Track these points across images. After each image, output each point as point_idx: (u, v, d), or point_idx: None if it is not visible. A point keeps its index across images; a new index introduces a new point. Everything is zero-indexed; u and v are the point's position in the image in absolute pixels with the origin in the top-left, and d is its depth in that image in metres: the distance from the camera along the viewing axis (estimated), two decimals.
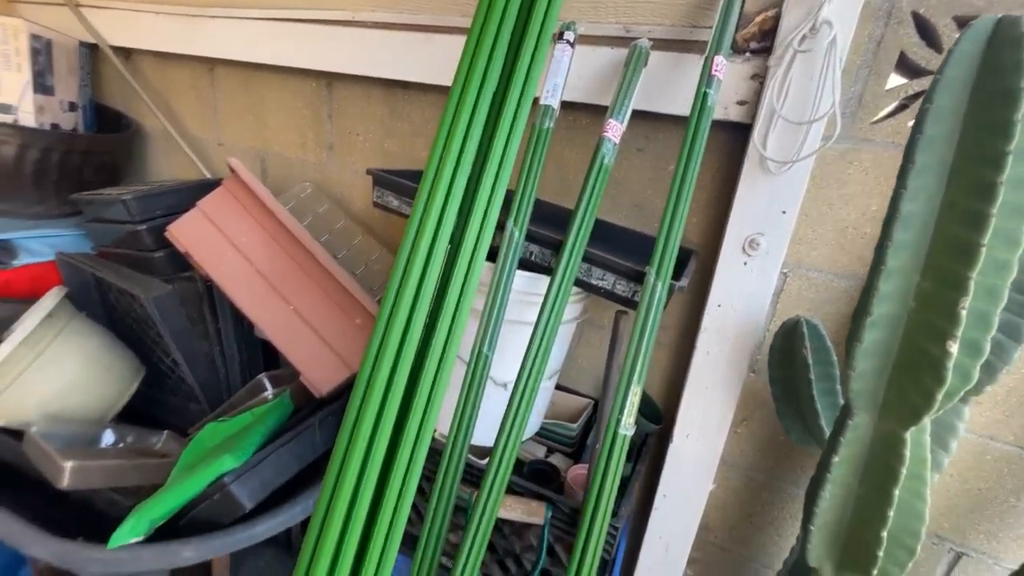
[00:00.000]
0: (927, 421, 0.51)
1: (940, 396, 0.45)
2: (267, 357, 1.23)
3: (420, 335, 0.58)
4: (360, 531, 0.57)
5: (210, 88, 1.25)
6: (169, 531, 0.77)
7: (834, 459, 0.54)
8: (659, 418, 0.92)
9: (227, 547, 0.76)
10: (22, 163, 1.10)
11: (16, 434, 0.93)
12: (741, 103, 0.71)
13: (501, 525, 0.78)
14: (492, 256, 0.68)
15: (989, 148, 0.38)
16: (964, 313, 0.42)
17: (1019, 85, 0.37)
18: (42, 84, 1.14)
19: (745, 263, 0.74)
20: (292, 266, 1.01)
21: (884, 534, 0.52)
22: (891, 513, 0.51)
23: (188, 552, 0.74)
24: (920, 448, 0.51)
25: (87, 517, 0.84)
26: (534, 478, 0.83)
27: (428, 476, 0.77)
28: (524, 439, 0.88)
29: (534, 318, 0.64)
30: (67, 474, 0.79)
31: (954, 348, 0.43)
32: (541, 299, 0.63)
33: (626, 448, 0.58)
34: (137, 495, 0.82)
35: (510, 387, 0.64)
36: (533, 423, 0.86)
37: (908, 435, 0.49)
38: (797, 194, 0.69)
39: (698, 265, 0.85)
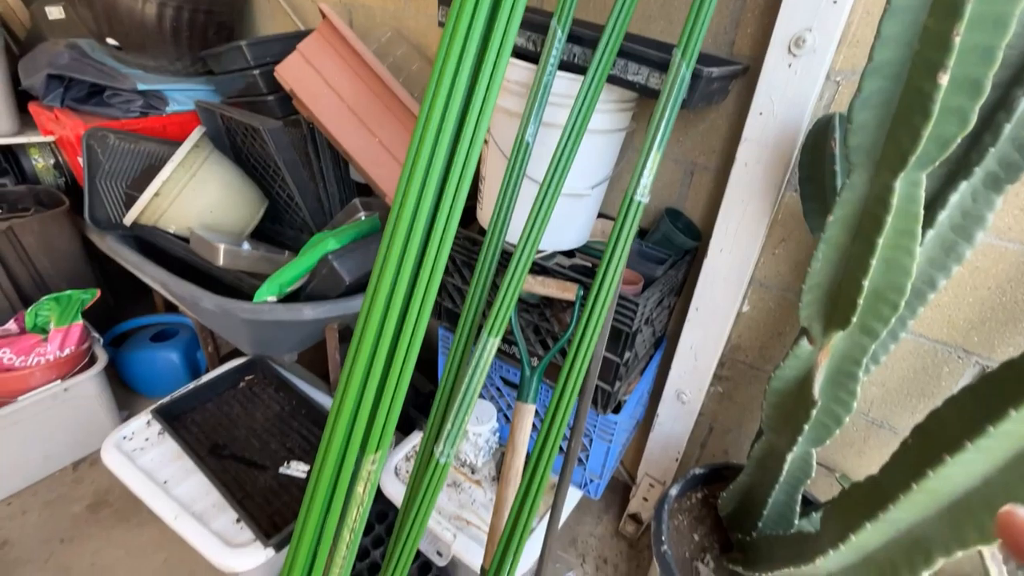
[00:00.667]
0: (922, 176, 0.54)
1: (925, 135, 0.48)
2: (360, 196, 1.43)
3: (454, 125, 0.66)
4: (404, 294, 0.67)
5: None
6: (294, 301, 1.02)
7: (829, 219, 0.60)
8: (698, 236, 0.99)
9: (334, 311, 1.00)
10: (162, 21, 1.31)
11: (183, 239, 1.22)
12: None
13: (544, 309, 0.93)
14: (537, 60, 0.75)
15: None
16: (957, 41, 0.44)
17: None
18: None
19: (790, 64, 0.75)
20: (377, 103, 1.15)
21: (865, 283, 0.58)
22: (873, 262, 0.56)
23: (308, 311, 0.98)
24: (912, 203, 0.54)
25: (238, 297, 1.11)
26: (575, 273, 0.96)
27: (470, 264, 0.92)
28: (569, 248, 1.00)
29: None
30: (221, 254, 1.05)
31: (944, 80, 0.45)
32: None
33: (639, 214, 0.67)
34: None
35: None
36: (578, 235, 0.97)
37: (897, 184, 0.53)
38: None
39: (745, 82, 0.85)
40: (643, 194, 0.66)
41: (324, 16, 1.13)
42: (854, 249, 0.58)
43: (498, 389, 1.12)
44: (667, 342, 1.16)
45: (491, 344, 0.72)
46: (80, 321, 1.33)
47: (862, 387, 0.66)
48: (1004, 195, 0.63)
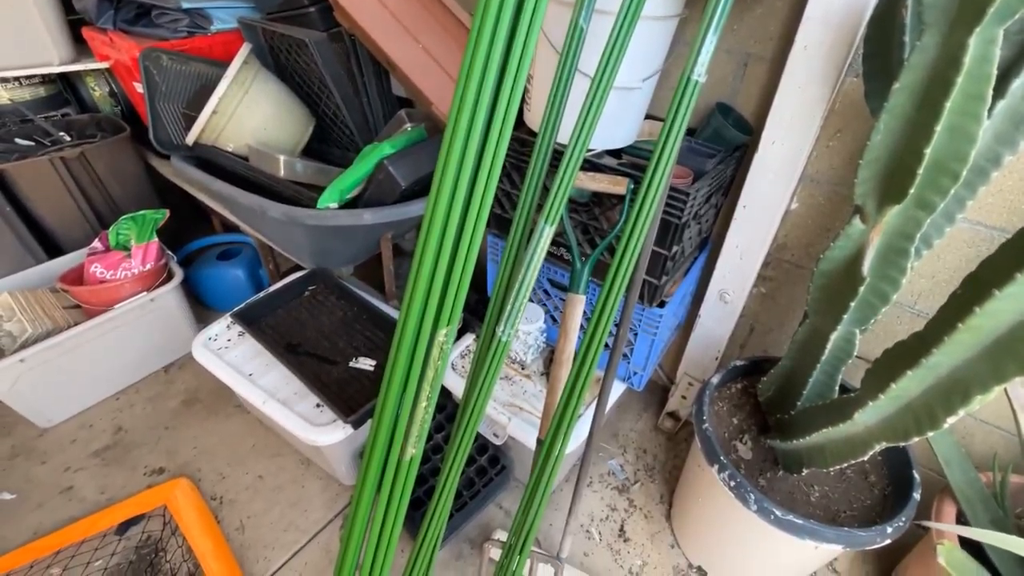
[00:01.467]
0: (999, 33, 0.52)
1: None
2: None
3: (510, 16, 0.66)
4: (462, 203, 0.70)
5: None
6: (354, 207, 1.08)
7: (895, 87, 0.59)
8: (750, 131, 0.98)
9: (392, 216, 1.05)
10: None
11: (242, 158, 1.28)
12: None
13: (592, 207, 0.96)
14: None
15: None
16: None
17: None
18: None
19: None
20: (419, 9, 1.14)
21: (927, 151, 0.58)
22: (937, 129, 0.56)
23: (367, 215, 1.04)
24: (986, 63, 0.53)
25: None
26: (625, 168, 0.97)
27: (522, 166, 0.94)
28: (618, 147, 1.00)
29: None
30: (282, 164, 1.11)
31: None
32: None
33: (696, 93, 0.67)
34: None
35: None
36: (628, 131, 0.97)
37: (971, 41, 0.52)
38: None
39: None
40: (700, 73, 0.66)
41: None
42: (919, 117, 0.58)
43: (545, 292, 1.18)
44: (711, 245, 1.17)
45: (547, 232, 0.76)
46: (155, 239, 1.44)
47: (910, 278, 0.67)
48: None
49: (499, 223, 1.12)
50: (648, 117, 1.05)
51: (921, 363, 0.52)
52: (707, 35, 0.64)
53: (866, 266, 0.69)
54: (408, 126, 1.24)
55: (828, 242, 1.03)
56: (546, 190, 0.83)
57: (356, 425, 1.03)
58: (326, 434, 1.02)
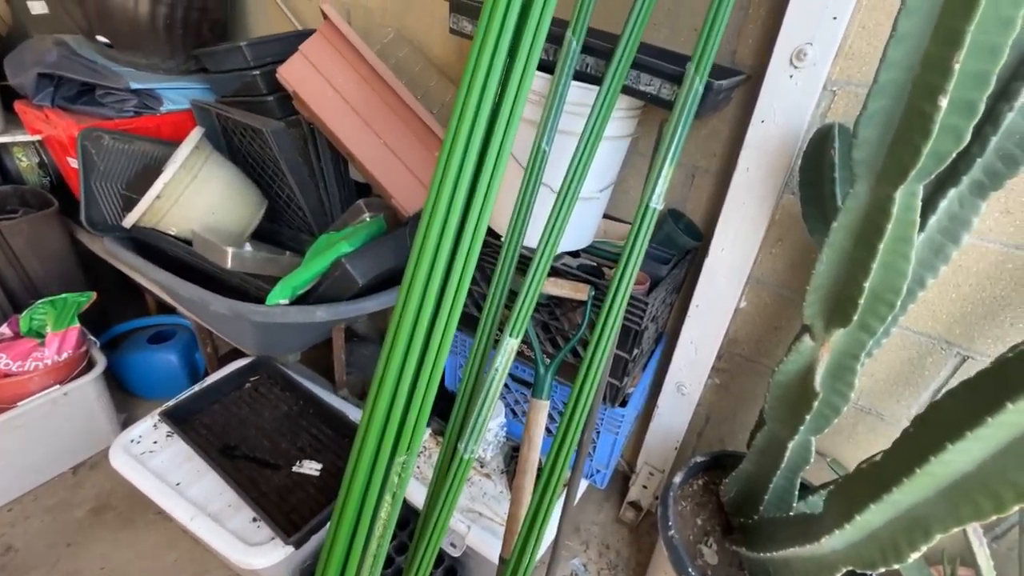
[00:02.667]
0: (919, 187, 0.59)
1: (925, 151, 0.52)
2: (360, 196, 1.44)
3: (481, 137, 0.69)
4: (432, 304, 0.70)
5: None
6: (305, 303, 1.03)
7: (833, 226, 0.64)
8: (699, 236, 1.03)
9: (347, 312, 1.01)
10: (155, 19, 1.29)
11: (184, 242, 1.21)
12: None
13: (554, 309, 0.97)
14: (551, 69, 0.78)
15: None
16: (956, 68, 0.48)
17: None
18: None
19: (791, 76, 0.79)
20: (381, 105, 1.16)
21: (866, 285, 0.62)
22: (874, 265, 0.61)
23: (320, 312, 0.99)
24: (909, 212, 0.59)
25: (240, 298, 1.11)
26: (583, 273, 0.99)
27: (489, 268, 0.95)
28: (576, 249, 1.03)
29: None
30: (230, 257, 1.05)
31: (944, 102, 0.50)
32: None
33: (655, 219, 0.71)
34: (275, 284, 1.08)
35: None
36: (586, 235, 1.00)
37: (898, 195, 0.57)
38: None
39: (746, 90, 0.89)
40: (658, 200, 0.70)
41: (325, 17, 1.13)
42: (856, 254, 0.63)
43: (506, 386, 1.15)
44: (667, 338, 1.20)
45: (511, 345, 0.75)
46: (77, 325, 1.31)
47: (859, 372, 0.71)
48: (988, 201, 0.68)
49: (465, 321, 1.10)
50: (605, 217, 1.10)
51: (883, 498, 0.53)
52: (663, 168, 0.68)
53: (818, 381, 0.72)
54: (367, 216, 1.23)
55: (776, 340, 1.08)
56: (512, 293, 0.83)
57: (298, 544, 0.93)
58: (263, 555, 0.92)
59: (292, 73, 1.14)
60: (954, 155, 0.54)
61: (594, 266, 1.02)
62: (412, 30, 1.26)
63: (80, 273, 1.52)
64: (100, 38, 1.33)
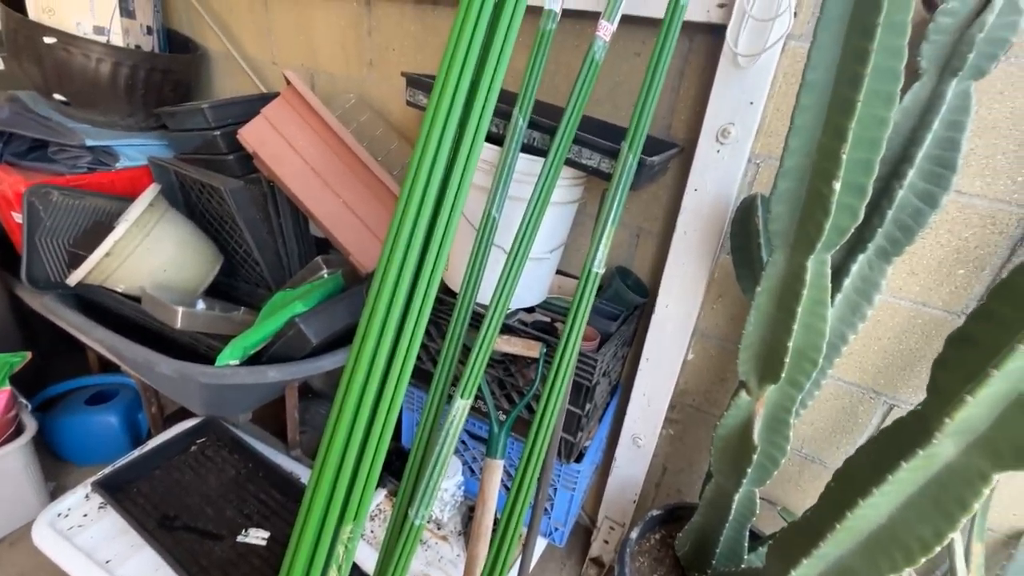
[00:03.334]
0: (827, 256, 0.65)
1: (827, 227, 0.59)
2: (319, 252, 1.45)
3: (433, 201, 0.72)
4: (384, 361, 0.71)
5: (264, 11, 1.40)
6: (256, 363, 1.01)
7: (758, 290, 0.70)
8: (646, 293, 1.09)
9: (300, 372, 1.00)
10: (116, 79, 1.31)
11: (133, 299, 1.18)
12: (721, 5, 0.81)
13: (508, 366, 0.98)
14: (500, 141, 0.83)
15: (866, 20, 0.50)
16: (844, 157, 0.55)
17: None
18: (126, 9, 1.32)
19: (718, 151, 0.87)
20: (341, 165, 1.19)
21: (790, 345, 0.68)
22: (794, 327, 0.66)
23: (272, 372, 0.97)
24: (821, 278, 0.65)
25: (193, 359, 1.08)
26: (536, 331, 1.02)
27: (444, 324, 0.97)
28: (530, 306, 1.06)
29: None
30: (180, 316, 1.03)
31: (837, 186, 0.57)
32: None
33: (597, 283, 0.75)
34: (227, 343, 1.06)
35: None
36: (538, 293, 1.04)
37: (809, 263, 0.63)
38: (763, 87, 0.80)
39: (681, 160, 0.97)
40: (599, 265, 0.74)
41: (288, 83, 1.17)
42: (778, 316, 0.68)
43: (463, 442, 1.14)
44: (621, 389, 1.23)
45: (463, 406, 0.76)
46: (7, 387, 1.23)
47: (795, 427, 0.75)
48: (892, 264, 0.76)
49: (418, 375, 1.10)
50: (559, 273, 1.14)
51: (812, 552, 0.55)
52: (603, 235, 0.73)
53: (756, 435, 0.76)
54: (325, 272, 1.24)
55: (723, 390, 1.12)
56: (467, 348, 0.85)
57: None
58: None
59: (253, 135, 1.17)
60: (853, 229, 0.61)
61: (548, 322, 1.05)
62: (373, 96, 1.32)
63: (16, 330, 1.45)
64: (57, 96, 1.33)
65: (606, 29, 0.78)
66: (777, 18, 0.74)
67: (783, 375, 0.70)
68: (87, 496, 1.08)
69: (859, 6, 0.52)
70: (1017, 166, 0.75)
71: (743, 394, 0.78)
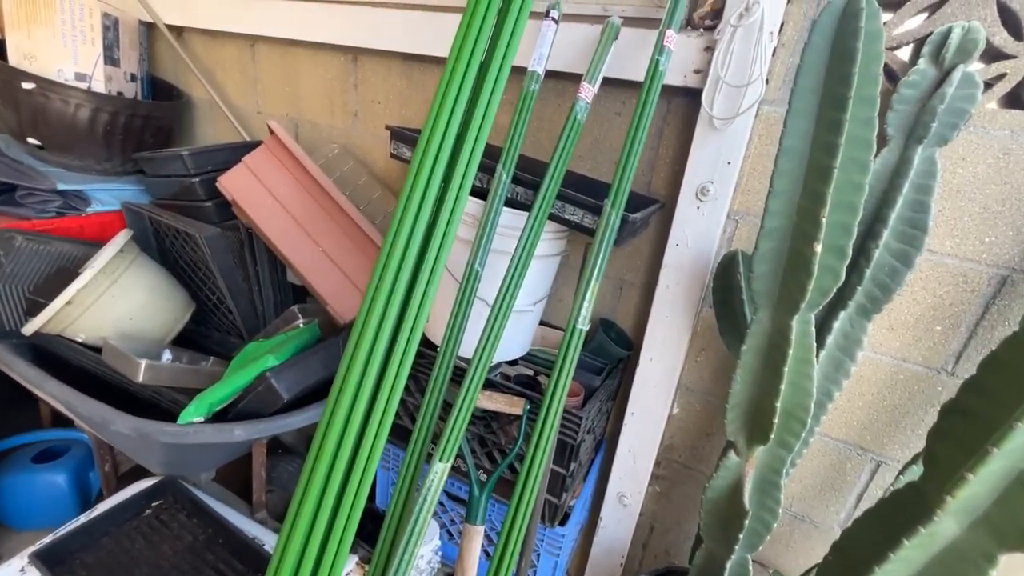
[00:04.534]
0: (811, 315, 0.65)
1: (811, 288, 0.59)
2: (297, 300, 1.41)
3: (416, 253, 0.72)
4: (360, 418, 0.68)
5: (251, 62, 1.42)
6: (222, 420, 0.96)
7: (743, 348, 0.69)
8: (629, 346, 1.08)
9: (268, 431, 0.94)
10: (95, 125, 1.29)
11: (93, 350, 1.12)
12: (697, 71, 0.85)
13: (490, 422, 0.95)
14: (484, 196, 0.83)
15: (838, 93, 0.52)
16: (824, 221, 0.56)
17: (856, 46, 0.50)
18: (111, 57, 1.32)
19: (698, 207, 0.88)
20: (321, 214, 1.18)
21: (778, 405, 0.66)
22: (782, 387, 0.65)
23: (239, 431, 0.92)
24: (806, 337, 0.65)
25: (155, 415, 1.02)
26: (519, 386, 0.99)
27: (424, 378, 0.93)
28: (513, 359, 1.04)
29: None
30: (142, 370, 0.98)
31: (818, 248, 0.57)
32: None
33: (581, 340, 0.73)
34: (194, 398, 1.01)
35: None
36: (521, 345, 1.02)
37: (794, 323, 0.63)
38: (739, 148, 0.83)
39: (662, 215, 0.99)
40: (584, 322, 0.73)
41: (272, 132, 1.17)
42: (765, 374, 0.67)
43: (441, 504, 1.08)
44: (606, 444, 1.20)
45: (442, 469, 0.72)
46: None
47: (783, 486, 0.73)
48: (872, 321, 0.76)
49: (395, 431, 1.05)
50: (542, 324, 1.13)
51: None
52: (587, 292, 0.72)
53: (747, 498, 0.73)
54: (300, 322, 1.20)
55: (709, 446, 1.10)
56: (447, 404, 0.81)
57: None
58: None
59: (233, 183, 1.16)
60: (835, 290, 0.61)
61: (531, 375, 1.03)
62: (357, 146, 1.32)
63: None
64: (31, 140, 1.30)
65: (588, 91, 0.80)
66: (750, 85, 0.77)
67: (772, 436, 0.68)
68: (22, 570, 0.97)
69: (830, 80, 0.54)
70: (984, 227, 0.77)
71: (731, 455, 0.75)
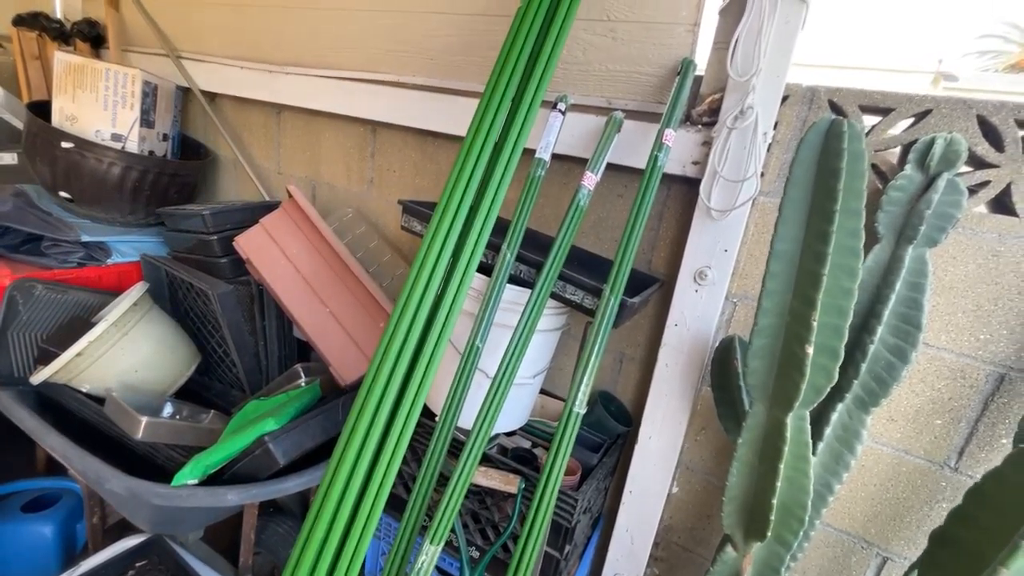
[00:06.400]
0: (806, 412, 0.66)
1: (804, 386, 0.60)
2: (301, 355, 1.43)
3: (422, 326, 0.74)
4: (358, 488, 0.69)
5: (276, 128, 1.50)
6: (217, 482, 0.95)
7: (739, 441, 0.69)
8: (629, 421, 1.07)
9: (262, 495, 0.94)
10: (124, 181, 1.36)
11: (96, 400, 1.14)
12: (695, 163, 0.89)
13: (484, 497, 0.93)
14: (489, 271, 0.86)
15: (825, 206, 0.55)
16: (815, 323, 0.58)
17: (840, 165, 0.54)
18: (147, 119, 1.41)
19: (696, 290, 0.90)
20: (331, 275, 1.21)
21: (775, 502, 0.66)
22: (779, 484, 0.65)
23: (232, 495, 0.91)
24: (802, 434, 0.65)
25: (150, 470, 1.02)
26: (515, 461, 0.98)
27: (421, 448, 0.93)
28: (511, 430, 1.03)
29: None
30: (142, 427, 0.98)
31: (810, 350, 0.58)
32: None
33: (579, 423, 0.73)
34: (190, 454, 1.01)
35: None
36: (520, 416, 1.01)
37: (789, 420, 0.64)
38: (736, 237, 0.86)
39: (662, 292, 1.01)
40: (580, 405, 0.74)
41: (291, 196, 1.23)
42: (761, 470, 0.67)
43: None
44: (603, 522, 1.17)
45: (433, 552, 0.71)
46: None
47: None
48: (871, 415, 0.76)
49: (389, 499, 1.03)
50: (542, 393, 1.13)
51: None
52: (585, 374, 0.73)
53: None
54: (303, 381, 1.21)
55: (709, 528, 1.07)
56: (443, 476, 0.81)
57: None
58: None
59: (248, 243, 1.20)
60: (829, 388, 0.62)
61: (528, 447, 1.02)
62: (371, 210, 1.38)
63: None
64: (62, 194, 1.37)
65: (590, 179, 0.85)
66: (745, 181, 0.81)
67: (769, 533, 0.67)
68: None
69: (818, 193, 0.57)
70: (978, 324, 0.79)
71: (729, 549, 0.74)
